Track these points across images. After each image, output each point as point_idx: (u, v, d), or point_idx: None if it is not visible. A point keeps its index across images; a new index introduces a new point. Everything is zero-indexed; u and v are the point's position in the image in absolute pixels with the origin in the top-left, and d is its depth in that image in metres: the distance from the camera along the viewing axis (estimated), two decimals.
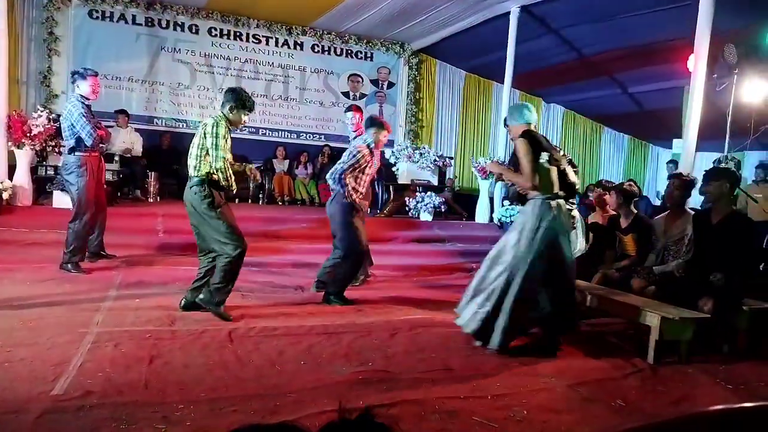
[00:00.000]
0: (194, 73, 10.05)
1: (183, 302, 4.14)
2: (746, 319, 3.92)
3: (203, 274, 4.12)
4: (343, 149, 6.97)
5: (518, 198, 4.48)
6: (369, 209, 5.96)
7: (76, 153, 5.12)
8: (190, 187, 3.95)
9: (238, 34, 10.27)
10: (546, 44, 9.18)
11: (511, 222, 7.99)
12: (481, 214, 8.95)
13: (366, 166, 4.82)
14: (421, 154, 8.94)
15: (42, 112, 6.95)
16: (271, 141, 10.37)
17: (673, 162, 8.90)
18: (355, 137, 5.55)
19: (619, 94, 10.59)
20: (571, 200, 3.77)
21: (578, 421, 2.70)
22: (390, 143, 10.41)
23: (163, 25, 9.77)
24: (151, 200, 8.41)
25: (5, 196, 6.47)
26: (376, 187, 8.52)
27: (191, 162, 3.96)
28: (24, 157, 6.90)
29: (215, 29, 10.09)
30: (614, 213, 5.10)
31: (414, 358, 3.46)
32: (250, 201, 9.55)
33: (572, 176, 3.74)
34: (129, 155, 8.48)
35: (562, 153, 3.82)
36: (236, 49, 10.27)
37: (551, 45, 9.22)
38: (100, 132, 5.18)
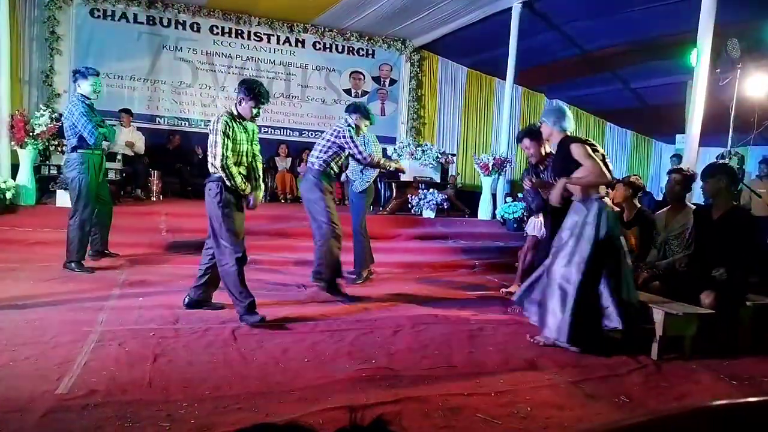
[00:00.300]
0: (196, 71, 10.05)
1: (186, 300, 4.14)
2: (749, 314, 3.91)
3: (203, 271, 4.10)
4: None
5: (544, 209, 4.47)
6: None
7: (78, 151, 5.13)
8: (205, 184, 3.94)
9: (239, 32, 10.26)
10: (548, 40, 9.15)
11: (514, 219, 8.03)
12: (484, 211, 8.94)
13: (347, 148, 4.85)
14: (423, 151, 8.92)
15: (44, 111, 6.96)
16: (274, 139, 10.36)
17: (677, 156, 8.87)
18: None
19: (621, 90, 10.55)
20: None
21: (581, 417, 2.69)
22: (392, 140, 10.44)
23: (165, 24, 9.77)
24: (154, 199, 8.42)
25: (8, 195, 6.49)
26: (379, 184, 8.52)
27: (208, 159, 3.93)
28: (27, 157, 6.92)
29: (216, 27, 10.08)
30: (617, 208, 5.08)
31: (417, 355, 3.46)
32: None
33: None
34: (132, 152, 8.49)
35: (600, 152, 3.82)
36: (238, 47, 10.27)
37: (553, 40, 9.19)
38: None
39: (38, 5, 8.97)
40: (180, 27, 9.87)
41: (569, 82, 11.06)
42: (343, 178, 6.54)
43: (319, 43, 10.80)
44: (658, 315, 3.62)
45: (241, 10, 9.98)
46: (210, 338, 3.51)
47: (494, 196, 9.00)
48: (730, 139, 6.92)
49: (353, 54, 11.11)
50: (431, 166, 8.89)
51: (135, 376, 2.85)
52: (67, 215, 5.25)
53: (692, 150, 6.05)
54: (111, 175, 6.98)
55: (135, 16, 9.54)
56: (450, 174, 10.01)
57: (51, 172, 7.45)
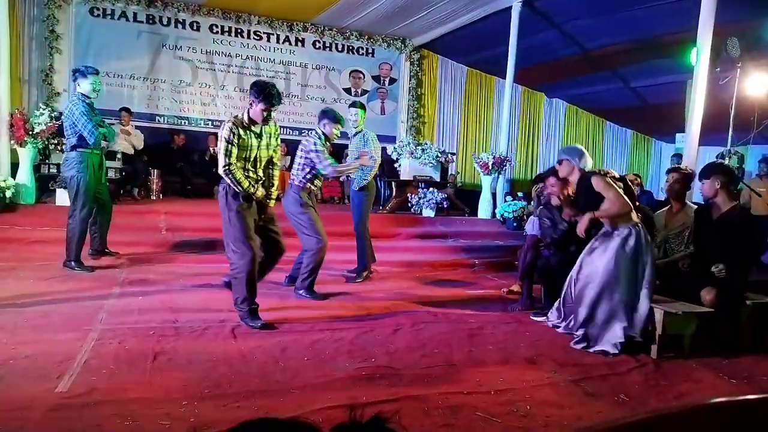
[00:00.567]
0: (196, 70, 10.06)
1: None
2: (749, 313, 3.91)
3: None
4: (344, 146, 7.00)
5: (558, 241, 4.51)
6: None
7: (78, 150, 5.13)
8: (219, 184, 3.93)
9: (239, 31, 10.26)
10: (548, 39, 9.15)
11: (513, 218, 8.03)
12: (484, 210, 8.94)
13: (317, 162, 4.79)
14: (423, 150, 8.92)
15: (44, 110, 6.96)
16: None
17: (678, 156, 8.86)
18: (355, 134, 5.55)
19: (621, 89, 10.55)
20: None
21: (581, 416, 2.69)
22: (392, 139, 10.44)
23: (164, 23, 9.77)
24: (154, 198, 8.42)
25: (8, 194, 6.49)
26: (379, 183, 8.51)
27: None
28: (26, 156, 6.91)
29: (216, 26, 10.09)
30: None
31: (417, 353, 3.46)
32: None
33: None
34: (131, 147, 8.49)
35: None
36: (237, 46, 10.27)
37: (553, 39, 9.19)
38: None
39: (38, 4, 8.97)
40: (180, 26, 9.87)
41: (569, 81, 11.06)
42: (342, 177, 6.53)
43: (319, 42, 10.80)
44: (657, 314, 3.62)
45: (241, 9, 9.98)
46: (210, 337, 3.51)
47: (494, 195, 9.00)
48: (729, 138, 6.91)
49: (353, 53, 11.11)
50: (431, 165, 8.89)
51: (135, 374, 2.85)
52: (66, 214, 5.25)
53: (692, 149, 6.05)
54: (110, 174, 6.97)
55: (135, 14, 9.55)
56: (450, 173, 10.01)
57: (50, 170, 7.44)
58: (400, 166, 8.94)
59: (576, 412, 2.74)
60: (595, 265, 3.78)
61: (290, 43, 10.62)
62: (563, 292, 4.09)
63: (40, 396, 2.52)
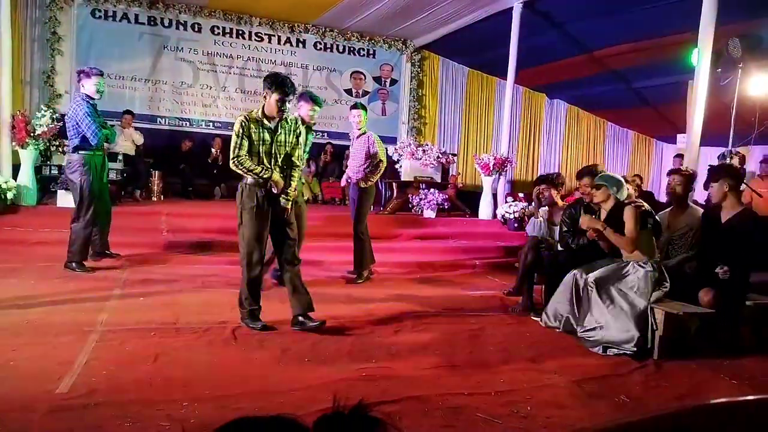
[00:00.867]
0: (197, 71, 10.06)
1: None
2: (750, 314, 3.90)
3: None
4: (345, 147, 7.02)
5: (569, 245, 4.54)
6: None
7: (80, 152, 5.14)
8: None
9: (240, 32, 10.27)
10: (549, 40, 9.14)
11: (514, 219, 8.03)
12: (485, 211, 8.93)
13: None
14: (424, 150, 8.91)
15: (45, 111, 6.97)
16: None
17: (680, 156, 8.85)
18: (358, 135, 5.55)
19: (623, 89, 10.54)
20: None
21: (582, 417, 2.69)
22: (393, 140, 10.43)
23: (166, 24, 9.78)
24: (155, 199, 8.43)
25: (10, 195, 6.50)
26: (379, 184, 8.51)
27: None
28: (28, 157, 6.93)
29: (217, 28, 10.09)
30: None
31: (417, 354, 3.46)
32: None
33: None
34: (132, 145, 8.50)
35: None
36: (239, 48, 10.28)
37: (554, 40, 9.18)
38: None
39: (39, 6, 8.98)
40: (181, 27, 9.89)
41: (570, 82, 11.05)
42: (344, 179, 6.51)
43: (320, 44, 10.81)
44: (658, 315, 3.62)
45: (242, 10, 9.99)
46: (210, 338, 3.51)
47: (495, 195, 8.99)
48: (731, 138, 6.90)
49: (354, 54, 11.11)
50: (432, 166, 8.88)
51: (135, 375, 2.86)
52: (68, 215, 5.26)
53: (693, 149, 6.04)
54: (112, 176, 6.97)
55: (136, 16, 9.56)
56: (451, 174, 10.00)
57: (52, 172, 7.46)
58: (401, 166, 8.94)
59: (577, 412, 2.74)
60: (602, 272, 3.90)
61: (291, 45, 10.63)
62: (570, 294, 4.08)
63: (40, 397, 2.52)
